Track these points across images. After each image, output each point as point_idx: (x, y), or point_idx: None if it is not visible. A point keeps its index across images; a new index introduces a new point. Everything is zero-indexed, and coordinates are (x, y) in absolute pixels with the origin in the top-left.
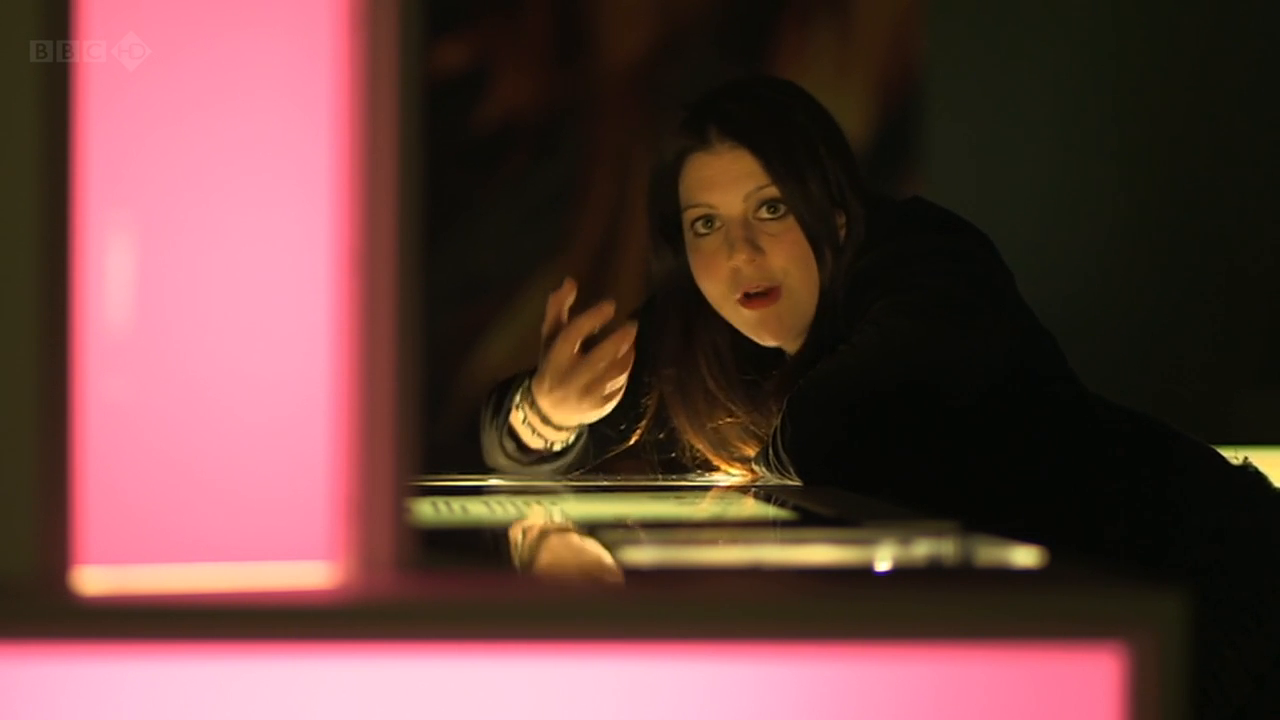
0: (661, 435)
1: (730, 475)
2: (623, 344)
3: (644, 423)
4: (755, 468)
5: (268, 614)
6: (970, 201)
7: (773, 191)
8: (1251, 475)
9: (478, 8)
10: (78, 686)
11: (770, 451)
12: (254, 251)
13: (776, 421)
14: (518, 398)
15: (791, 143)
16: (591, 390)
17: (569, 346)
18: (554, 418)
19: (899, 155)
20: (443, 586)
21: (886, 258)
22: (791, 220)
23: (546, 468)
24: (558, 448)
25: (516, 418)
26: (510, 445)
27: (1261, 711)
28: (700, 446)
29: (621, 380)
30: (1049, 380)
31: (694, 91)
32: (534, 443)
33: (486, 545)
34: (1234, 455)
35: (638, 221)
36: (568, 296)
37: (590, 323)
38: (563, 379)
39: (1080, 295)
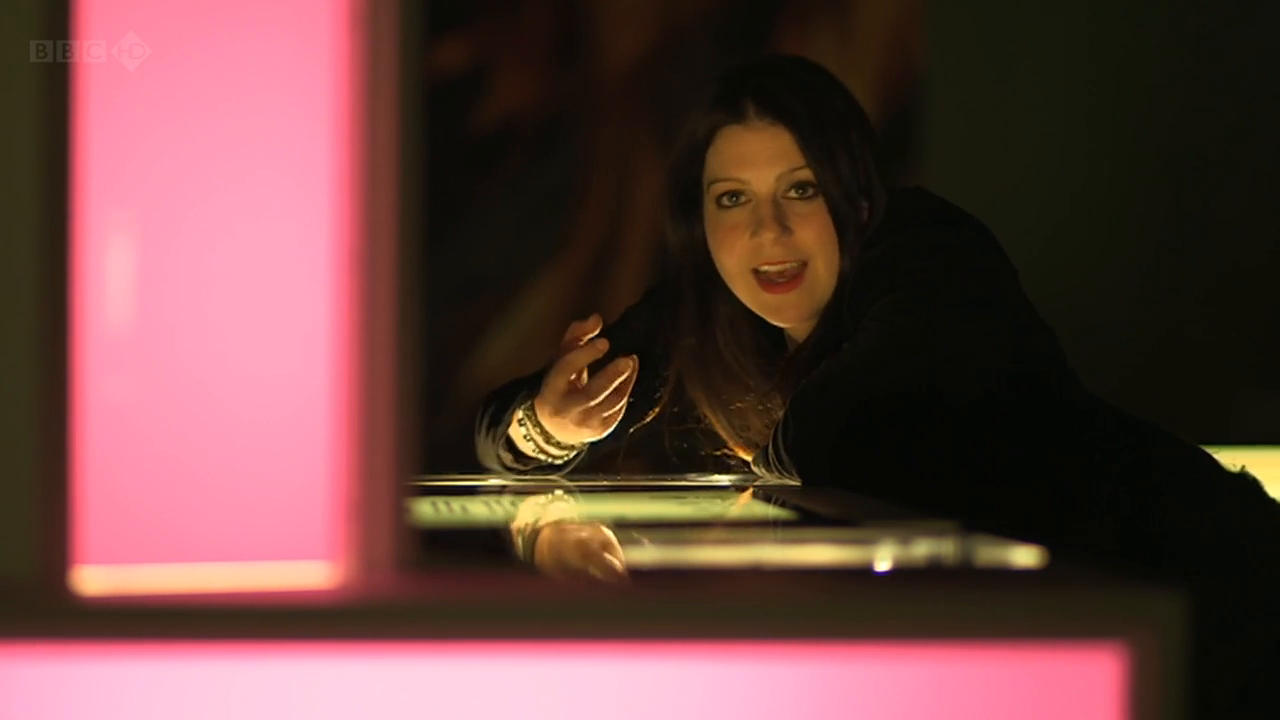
0: (676, 409)
1: (731, 473)
2: (618, 375)
3: (664, 396)
4: (755, 469)
5: (268, 614)
6: (970, 201)
7: (806, 174)
8: (1247, 482)
9: (478, 8)
10: (78, 686)
11: (771, 451)
12: (254, 251)
13: (778, 422)
14: (520, 414)
15: (828, 125)
16: (590, 416)
17: (564, 377)
18: (556, 436)
19: (899, 155)
20: (443, 586)
21: (888, 253)
22: (819, 202)
23: (542, 476)
24: (558, 462)
25: (518, 433)
26: (507, 456)
27: (1245, 719)
28: (715, 423)
29: (620, 404)
30: (1048, 377)
31: (719, 73)
32: (531, 451)
33: (486, 545)
34: (1232, 462)
35: (638, 221)
36: (591, 329)
37: (587, 356)
38: (559, 407)
39: (1080, 294)
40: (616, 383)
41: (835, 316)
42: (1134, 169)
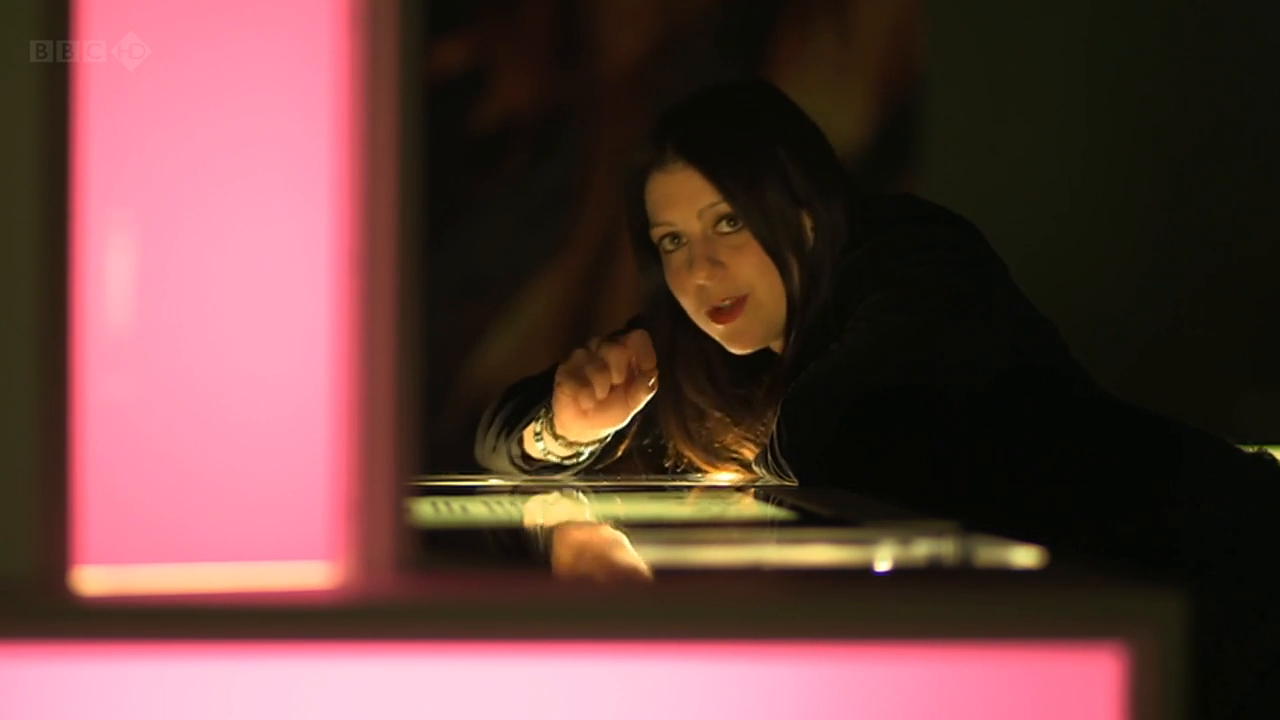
0: (646, 442)
1: (729, 476)
2: (622, 354)
3: (632, 429)
4: (755, 469)
5: (268, 614)
6: (970, 202)
7: (726, 208)
8: (1265, 463)
9: (478, 8)
10: (78, 686)
11: (769, 455)
12: (254, 251)
13: (773, 425)
14: (537, 427)
15: (744, 155)
16: (573, 376)
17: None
18: (564, 432)
19: (898, 156)
20: (443, 586)
21: (875, 251)
22: (749, 232)
23: (545, 477)
24: (565, 463)
25: (531, 441)
26: (517, 451)
27: (1261, 710)
28: (690, 455)
29: (606, 389)
30: (1050, 372)
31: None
32: (537, 454)
33: (486, 545)
34: (1251, 447)
35: None
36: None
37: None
38: (572, 374)
39: (1080, 293)
40: (617, 357)
41: (810, 328)
42: (1133, 167)
